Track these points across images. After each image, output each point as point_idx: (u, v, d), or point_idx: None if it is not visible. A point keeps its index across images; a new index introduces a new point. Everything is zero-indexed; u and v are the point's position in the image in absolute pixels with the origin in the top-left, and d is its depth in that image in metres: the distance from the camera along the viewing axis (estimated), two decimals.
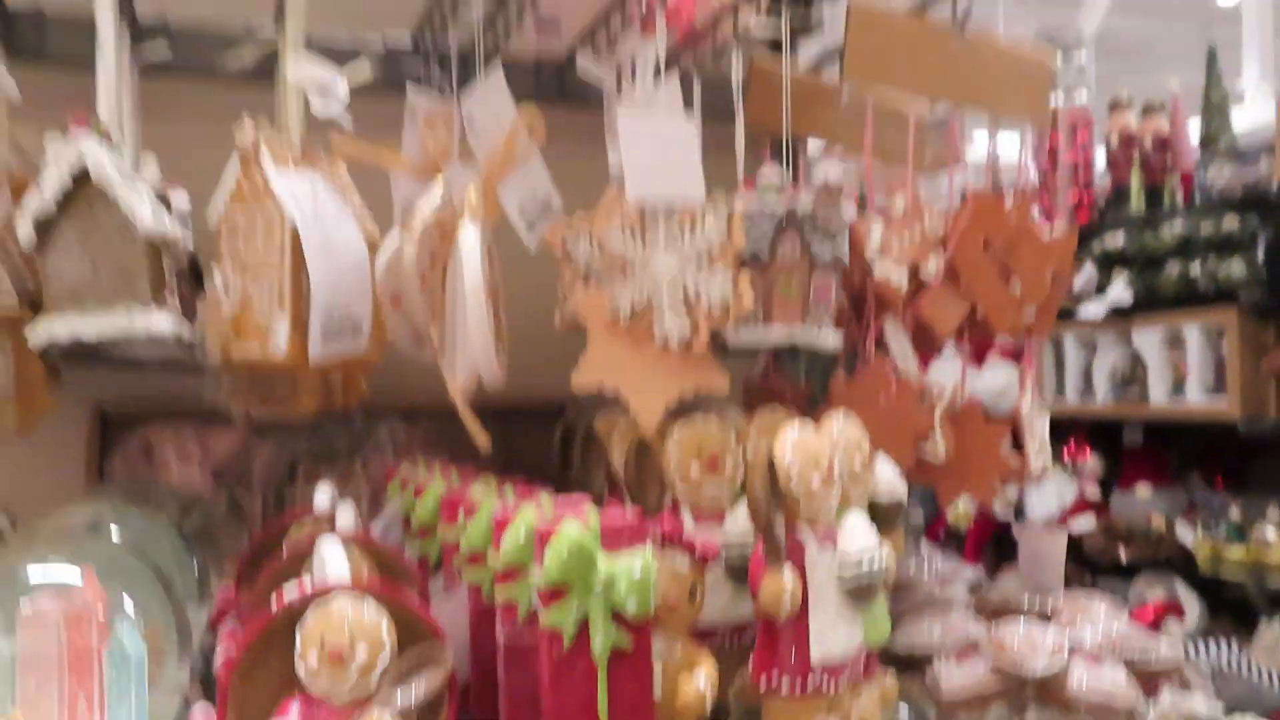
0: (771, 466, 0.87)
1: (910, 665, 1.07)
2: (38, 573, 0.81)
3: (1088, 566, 3.04)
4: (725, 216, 1.03)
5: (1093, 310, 3.40)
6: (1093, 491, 3.34)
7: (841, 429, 0.97)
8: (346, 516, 1.03)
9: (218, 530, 1.27)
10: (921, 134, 1.30)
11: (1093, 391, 3.43)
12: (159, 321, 0.87)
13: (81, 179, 0.87)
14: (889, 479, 1.04)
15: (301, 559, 0.94)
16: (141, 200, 0.87)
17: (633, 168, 1.02)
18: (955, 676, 1.02)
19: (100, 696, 0.80)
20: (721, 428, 1.05)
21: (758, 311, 1.08)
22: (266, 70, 1.26)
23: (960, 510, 3.28)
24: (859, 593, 0.89)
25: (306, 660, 0.78)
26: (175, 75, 1.29)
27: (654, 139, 1.03)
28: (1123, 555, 2.97)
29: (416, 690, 0.79)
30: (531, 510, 0.89)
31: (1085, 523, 3.18)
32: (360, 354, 0.97)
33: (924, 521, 3.23)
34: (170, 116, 1.29)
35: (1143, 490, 3.40)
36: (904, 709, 1.07)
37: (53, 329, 0.86)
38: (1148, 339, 3.25)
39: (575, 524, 0.79)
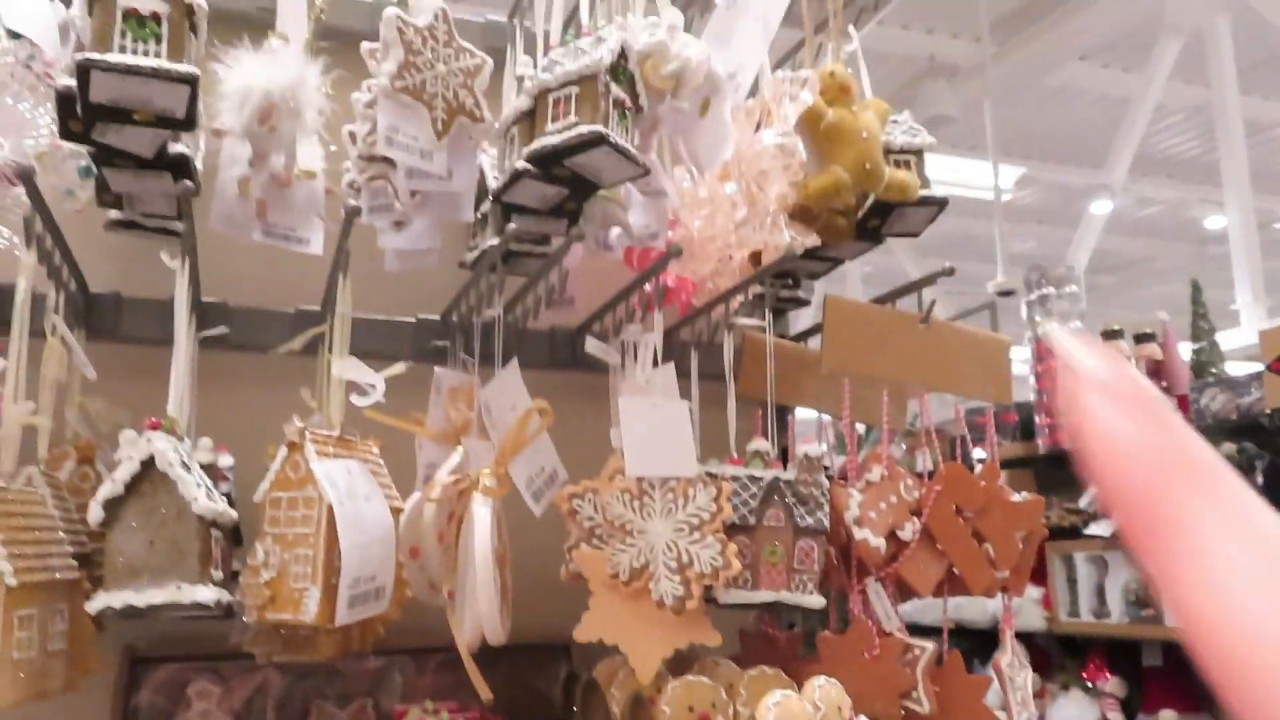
0: None
1: None
2: None
3: None
4: (715, 491, 1.15)
5: (1101, 529, 3.45)
6: (1115, 715, 3.27)
7: (823, 692, 1.05)
8: None
9: None
10: (900, 402, 1.44)
11: (1108, 610, 3.42)
12: (203, 594, 0.97)
13: (148, 464, 0.99)
14: None
15: None
16: (198, 484, 0.99)
17: (632, 446, 1.15)
18: None
19: None
20: (713, 684, 1.13)
21: (746, 576, 1.17)
22: (311, 346, 1.43)
23: None
24: None
25: None
26: (230, 348, 1.46)
27: (651, 420, 1.17)
28: None
29: None
30: None
31: None
32: (381, 613, 1.07)
33: None
34: (222, 383, 1.44)
35: (1168, 717, 3.32)
36: None
37: (110, 601, 0.97)
38: None
39: None
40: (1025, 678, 1.32)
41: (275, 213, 1.35)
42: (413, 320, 1.52)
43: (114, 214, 1.35)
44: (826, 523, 1.19)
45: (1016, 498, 1.32)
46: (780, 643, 1.36)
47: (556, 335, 1.60)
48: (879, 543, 1.22)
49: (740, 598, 1.17)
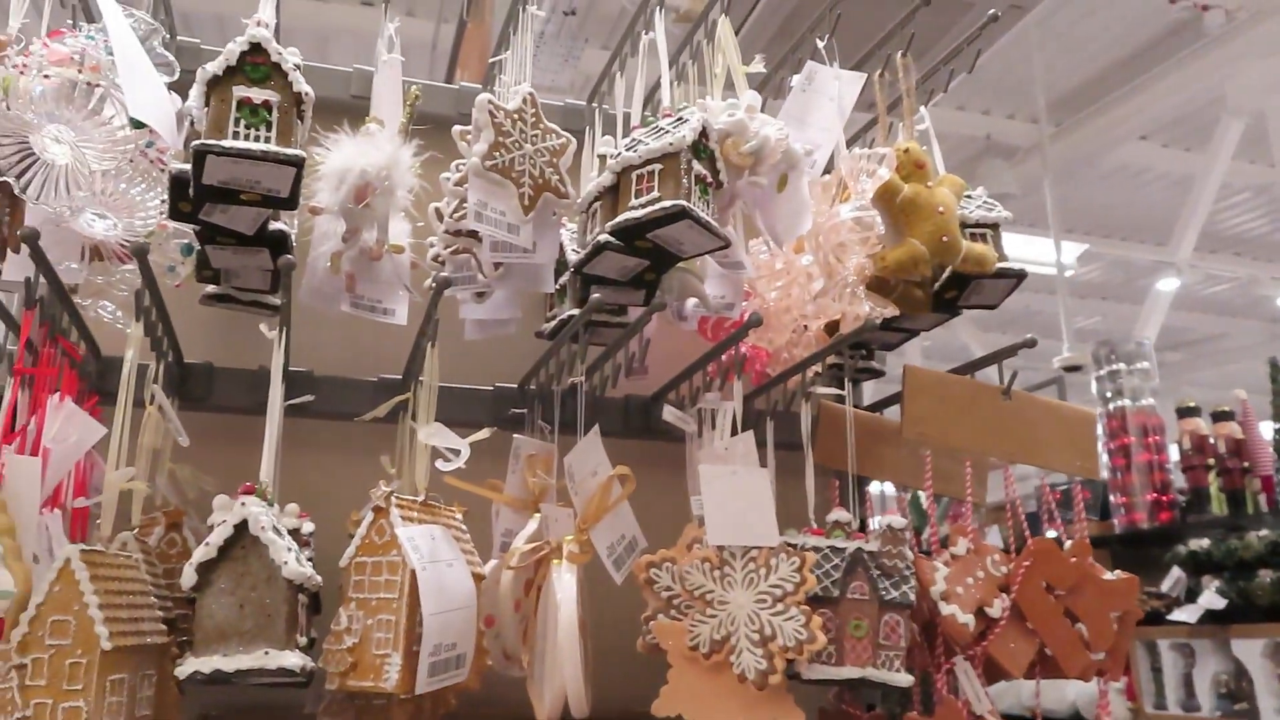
0: None
1: None
2: None
3: None
4: (798, 561, 1.13)
5: (1186, 615, 3.31)
6: None
7: None
8: None
9: None
10: (981, 474, 1.41)
11: (1196, 702, 3.26)
12: (290, 660, 0.98)
13: (240, 529, 1.01)
14: None
15: None
16: (288, 549, 1.01)
17: (713, 515, 1.15)
18: None
19: None
20: None
21: (830, 651, 1.14)
22: (391, 413, 1.45)
23: None
24: None
25: None
26: (316, 415, 1.49)
27: (732, 489, 1.16)
28: None
29: None
30: None
31: None
32: (460, 683, 1.06)
33: None
34: (305, 450, 1.47)
35: None
36: None
37: (199, 666, 0.97)
38: (1249, 649, 3.12)
39: None
40: None
41: (363, 285, 1.39)
42: (491, 389, 1.54)
43: (211, 289, 1.41)
44: (913, 597, 1.17)
45: (1109, 576, 1.28)
46: None
47: (631, 404, 1.61)
48: (967, 619, 1.19)
49: (825, 673, 1.14)
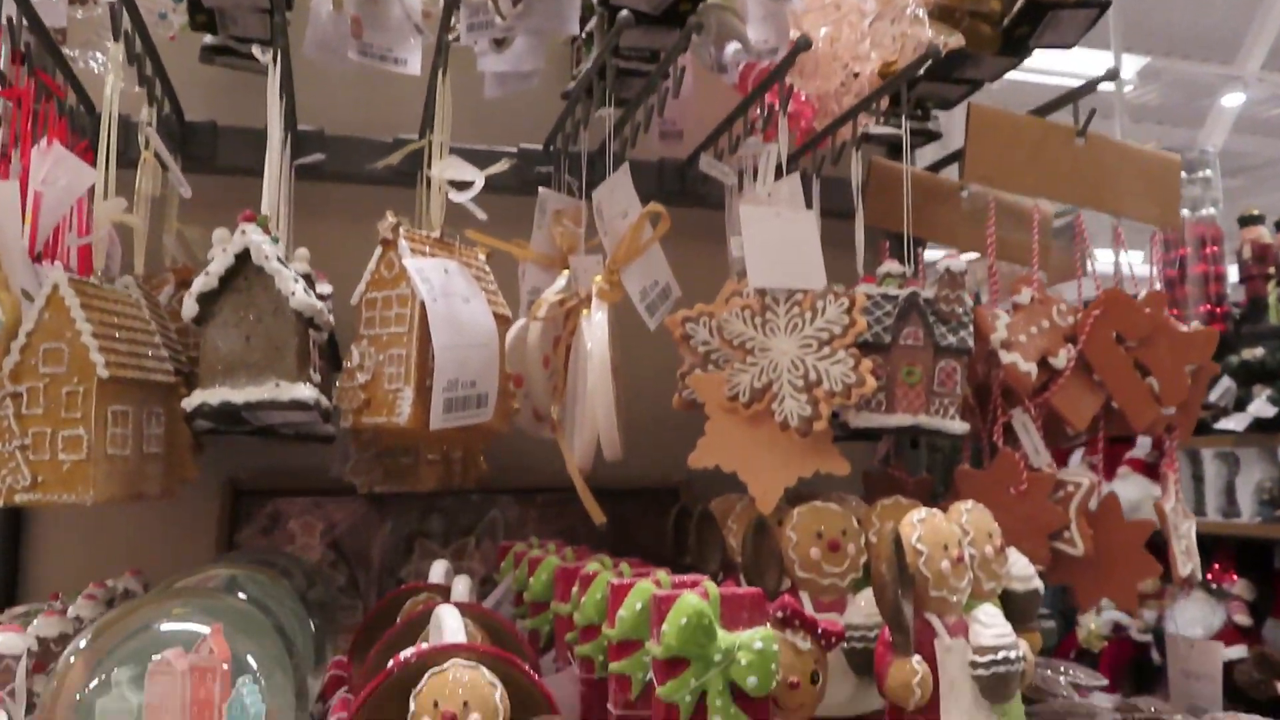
0: (899, 547, 0.84)
1: None
2: (170, 626, 0.84)
3: (1238, 701, 2.78)
4: (846, 302, 1.04)
5: (1233, 424, 3.23)
6: (1242, 618, 3.09)
7: (970, 514, 0.94)
8: (461, 588, 1.04)
9: (334, 604, 1.30)
10: (1046, 229, 1.29)
11: (1237, 509, 3.22)
12: (303, 392, 0.91)
13: (243, 258, 0.93)
14: (1023, 568, 0.99)
15: (416, 628, 0.95)
16: (295, 279, 0.93)
17: (755, 258, 1.05)
18: None
19: None
20: (843, 511, 1.03)
21: (880, 398, 1.06)
22: (408, 175, 1.35)
23: (1092, 629, 3.07)
24: (995, 687, 0.84)
25: None
26: (327, 177, 1.39)
27: (776, 230, 1.06)
28: None
29: None
30: (649, 584, 0.88)
31: (1235, 652, 2.93)
32: (484, 423, 1.00)
33: (1053, 642, 3.03)
34: (319, 215, 1.39)
35: None
36: None
37: (206, 398, 0.91)
38: None
39: (695, 596, 0.78)
40: (1189, 527, 1.19)
41: (371, 31, 1.27)
42: (514, 149, 1.43)
43: (209, 39, 1.29)
44: (971, 342, 1.07)
45: (1185, 327, 1.17)
46: (908, 487, 1.25)
47: (666, 167, 1.49)
48: (1029, 368, 1.10)
49: (874, 421, 1.06)
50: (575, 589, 1.01)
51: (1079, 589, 1.13)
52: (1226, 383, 3.35)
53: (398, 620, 1.06)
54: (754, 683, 0.76)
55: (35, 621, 0.90)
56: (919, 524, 0.87)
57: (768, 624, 0.80)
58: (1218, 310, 3.60)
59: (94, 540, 1.32)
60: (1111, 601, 1.12)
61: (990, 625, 0.86)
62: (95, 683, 0.80)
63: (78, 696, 0.78)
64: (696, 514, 1.12)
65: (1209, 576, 3.37)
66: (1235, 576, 3.30)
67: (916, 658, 0.83)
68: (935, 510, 0.90)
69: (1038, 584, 0.99)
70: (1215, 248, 3.73)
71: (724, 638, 0.77)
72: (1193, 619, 3.20)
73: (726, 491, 1.21)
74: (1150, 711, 1.08)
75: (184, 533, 1.33)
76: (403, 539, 1.37)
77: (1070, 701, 1.11)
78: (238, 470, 1.35)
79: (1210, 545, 3.34)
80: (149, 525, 1.32)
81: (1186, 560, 1.16)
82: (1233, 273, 3.72)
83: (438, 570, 1.21)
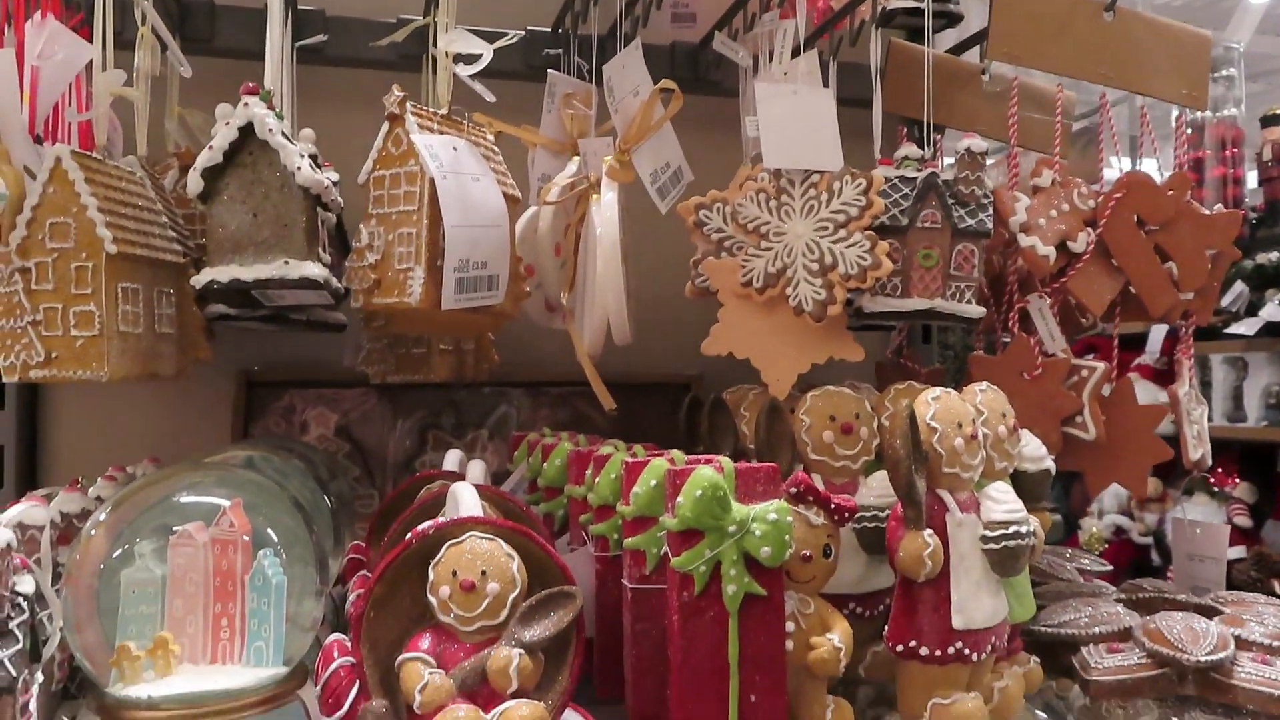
0: (913, 424, 0.84)
1: (1054, 653, 1.01)
2: (190, 499, 0.85)
3: None
4: (863, 183, 1.02)
5: (1244, 328, 3.21)
6: (1243, 520, 3.13)
7: (984, 395, 0.94)
8: (476, 471, 1.05)
9: (351, 494, 1.31)
10: (1069, 112, 1.26)
11: (1243, 413, 3.23)
12: (312, 270, 0.90)
13: (247, 132, 0.91)
14: (1036, 448, 0.99)
15: (433, 508, 0.95)
16: (301, 155, 0.91)
17: (770, 137, 1.02)
18: (1106, 662, 0.95)
19: (241, 620, 0.83)
20: (856, 396, 1.03)
21: (895, 282, 1.05)
22: (413, 59, 1.31)
23: (1093, 532, 3.12)
24: (1004, 560, 0.85)
25: (438, 593, 0.79)
26: (329, 61, 1.36)
27: (792, 110, 1.03)
28: (1278, 590, 2.75)
29: (545, 628, 0.79)
30: (662, 461, 0.88)
31: (1234, 553, 2.97)
32: (495, 306, 0.99)
33: (1058, 537, 3.08)
34: (321, 100, 1.35)
35: None
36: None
37: (215, 274, 0.91)
38: None
39: (709, 469, 0.78)
40: (1202, 413, 1.19)
41: None
42: (523, 31, 1.39)
43: None
44: (990, 225, 1.05)
45: (1207, 211, 1.15)
46: (920, 377, 1.25)
47: (678, 51, 1.45)
48: (1048, 251, 1.08)
49: (889, 305, 1.05)
50: (589, 471, 1.02)
51: (1089, 474, 1.13)
52: (1240, 287, 3.32)
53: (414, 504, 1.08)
54: (768, 553, 0.77)
55: (58, 496, 0.91)
56: (933, 402, 0.87)
57: (782, 497, 0.80)
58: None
59: (110, 431, 1.33)
60: (1122, 486, 1.12)
61: (1002, 501, 0.87)
62: (118, 553, 0.81)
63: (101, 566, 0.80)
64: (709, 402, 1.12)
65: (1211, 480, 3.41)
66: (1237, 480, 3.33)
67: (928, 531, 0.83)
68: (950, 390, 0.90)
69: (1050, 465, 1.00)
70: (1235, 150, 3.65)
71: (738, 509, 0.78)
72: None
73: (739, 383, 1.21)
74: (1153, 590, 1.10)
75: (199, 424, 1.34)
76: (416, 431, 1.38)
77: (1075, 583, 1.13)
78: (252, 362, 1.35)
79: (1215, 450, 3.36)
80: (165, 417, 1.33)
81: (1198, 445, 1.16)
82: (1252, 179, 3.65)
83: (452, 459, 1.22)
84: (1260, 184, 3.54)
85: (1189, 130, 3.68)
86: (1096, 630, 0.99)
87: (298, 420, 1.34)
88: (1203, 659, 0.92)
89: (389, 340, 1.23)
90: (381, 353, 1.24)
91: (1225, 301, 3.32)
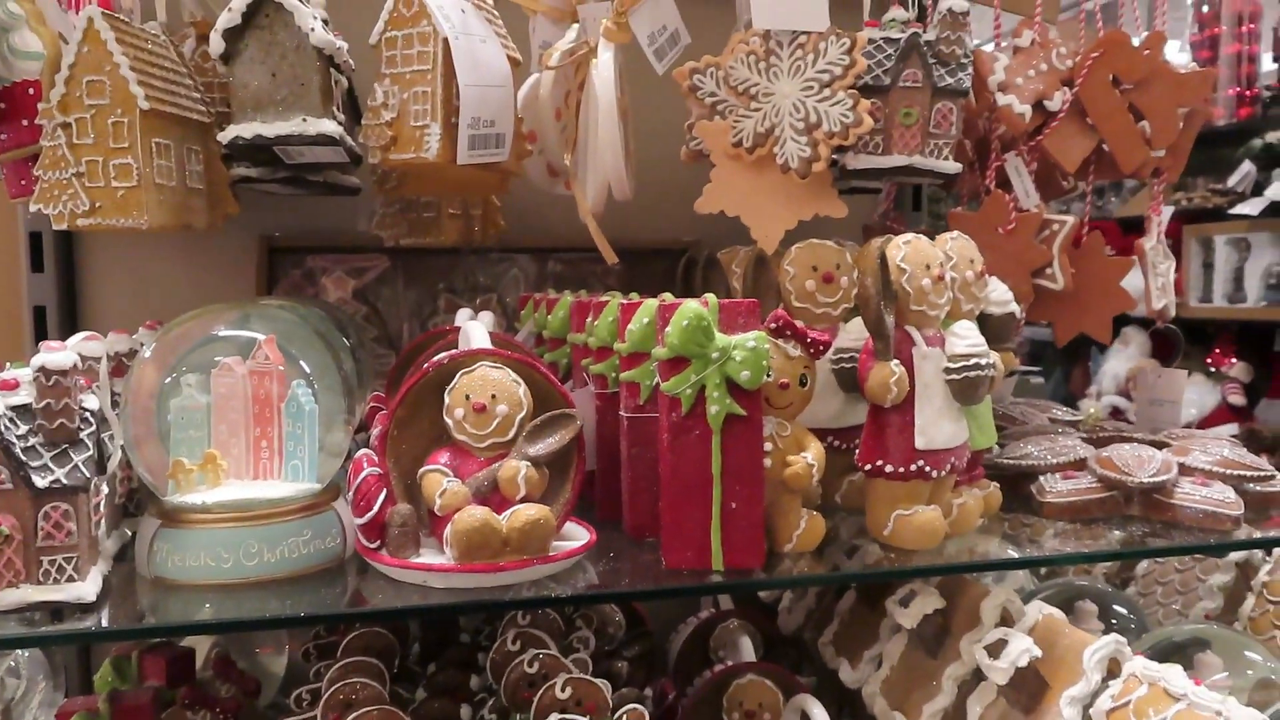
0: (884, 264, 0.92)
1: (1015, 485, 1.11)
2: (229, 333, 0.94)
3: None
4: (847, 43, 1.07)
5: (1249, 208, 3.23)
6: (1237, 399, 3.21)
7: (954, 242, 1.01)
8: (486, 318, 1.14)
9: (369, 351, 1.41)
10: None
11: (1243, 294, 3.28)
12: (328, 126, 0.97)
13: None
14: (1002, 293, 1.07)
15: (444, 346, 1.05)
16: (313, 16, 0.97)
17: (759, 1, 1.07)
18: (1060, 487, 1.05)
19: (279, 443, 0.93)
20: (837, 247, 1.10)
21: (877, 140, 1.11)
22: None
23: (1091, 413, 3.22)
24: (965, 390, 0.93)
25: (453, 415, 0.88)
26: None
27: None
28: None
29: (549, 444, 0.89)
30: (655, 301, 0.97)
31: (1228, 429, 3.07)
32: (502, 162, 1.06)
33: None
34: None
35: None
36: None
37: (239, 131, 0.98)
38: None
39: (695, 303, 0.86)
40: (1168, 267, 1.26)
41: None
42: None
43: None
44: (968, 84, 1.11)
45: (1181, 69, 1.19)
46: None
47: None
48: (1025, 110, 1.13)
49: (870, 163, 1.12)
50: (590, 319, 1.10)
51: (1057, 323, 1.21)
52: (1247, 167, 3.33)
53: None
54: (747, 376, 0.85)
55: (109, 336, 1.00)
56: (904, 245, 0.94)
57: (761, 330, 0.89)
58: (1247, 93, 3.52)
59: (141, 293, 1.42)
60: (1088, 334, 1.20)
61: (965, 337, 0.95)
62: (168, 382, 0.90)
63: (153, 394, 0.89)
64: (703, 259, 1.20)
65: (1208, 360, 3.48)
66: (1234, 360, 3.40)
67: (894, 361, 0.92)
68: (920, 235, 0.97)
69: (1014, 308, 1.07)
70: (1253, 25, 3.60)
71: (720, 339, 0.86)
72: (1189, 400, 3.33)
73: (731, 244, 1.28)
74: (1113, 430, 1.19)
75: (224, 287, 1.43)
76: (429, 294, 1.46)
77: (1040, 425, 1.22)
78: (272, 229, 1.42)
79: (1214, 330, 3.43)
80: (192, 281, 1.41)
81: (1161, 295, 1.23)
82: (1267, 61, 3.61)
83: (463, 316, 1.30)
84: (1275, 60, 3.51)
85: (1205, 7, 3.63)
86: (1053, 460, 1.09)
87: (318, 284, 1.43)
88: (1146, 480, 1.01)
89: (401, 204, 1.31)
90: (394, 217, 1.32)
91: (1232, 182, 3.33)
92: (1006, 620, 1.02)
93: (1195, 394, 3.43)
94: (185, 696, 1.05)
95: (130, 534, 0.97)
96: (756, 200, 1.15)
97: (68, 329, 1.38)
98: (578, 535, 0.93)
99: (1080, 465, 1.08)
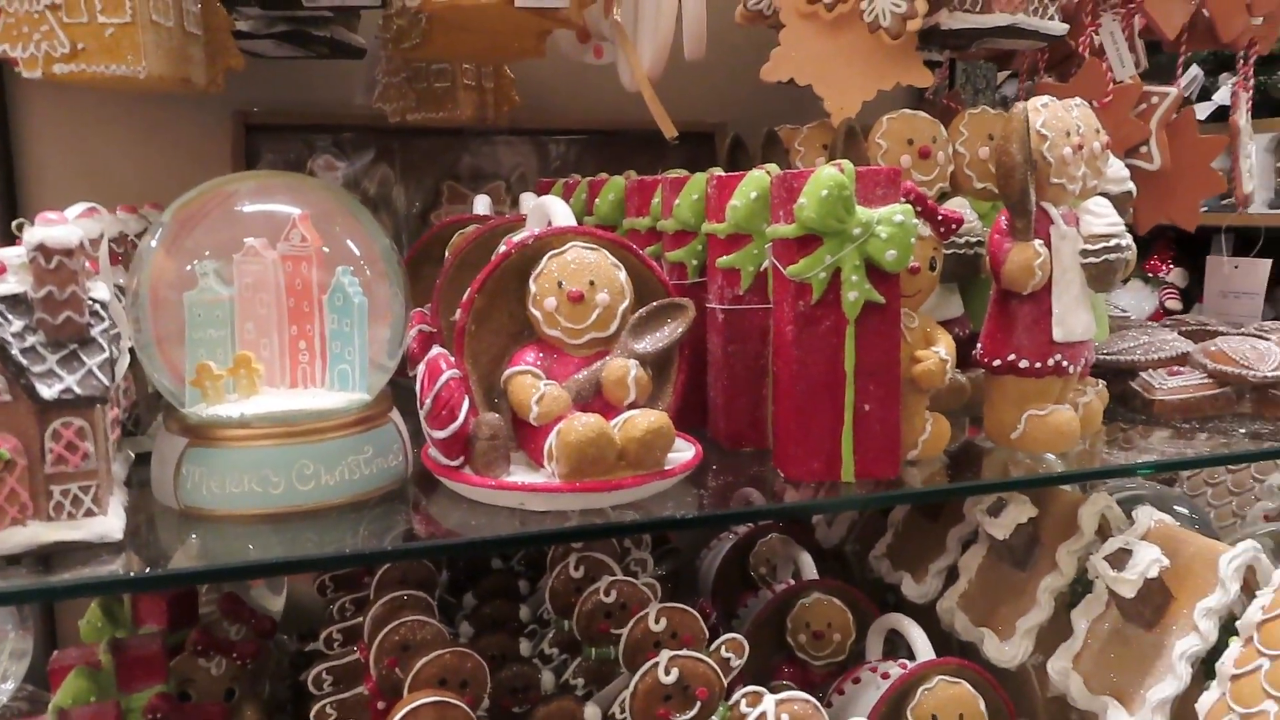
0: (1027, 130, 0.80)
1: (1109, 380, 1.03)
2: (252, 208, 0.76)
3: None
4: None
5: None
6: (1174, 303, 3.25)
7: (1080, 110, 0.90)
8: (529, 201, 0.98)
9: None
10: None
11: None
12: None
13: None
14: (1119, 169, 0.97)
15: (496, 237, 0.89)
16: None
17: None
18: (1169, 383, 0.97)
19: (321, 342, 0.77)
20: (933, 120, 0.98)
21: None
22: None
23: None
24: (1103, 275, 0.84)
25: (543, 306, 0.74)
26: None
27: None
28: None
29: (659, 339, 0.75)
30: (762, 173, 0.83)
31: None
32: (563, 8, 0.90)
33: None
34: None
35: None
36: None
37: None
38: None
39: (832, 168, 0.73)
40: (1254, 148, 1.18)
41: None
42: None
43: None
44: None
45: None
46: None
47: None
48: None
49: (968, 21, 0.99)
50: (656, 198, 0.96)
51: (1140, 208, 1.12)
52: (1194, 71, 3.31)
53: (448, 250, 1.01)
54: (893, 256, 0.73)
55: (104, 215, 0.82)
56: (1043, 109, 0.82)
57: (903, 202, 0.76)
58: None
59: (89, 178, 1.20)
60: (1171, 221, 1.12)
61: (1102, 215, 0.85)
62: (179, 273, 0.73)
63: (172, 282, 0.72)
64: (764, 135, 1.06)
65: (1145, 267, 3.51)
66: (1171, 266, 3.44)
67: (1038, 241, 0.81)
68: (1052, 98, 0.85)
69: (1130, 186, 0.98)
70: None
71: (862, 212, 0.74)
72: (1127, 304, 3.36)
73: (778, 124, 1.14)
74: (1196, 324, 1.12)
75: (194, 172, 1.22)
76: (429, 182, 1.28)
77: (1128, 319, 1.14)
78: (250, 103, 1.21)
79: (1150, 237, 3.44)
80: (151, 164, 1.21)
81: (1249, 179, 1.16)
82: None
83: (481, 203, 1.15)
84: None
85: None
86: (1155, 355, 1.01)
87: (302, 170, 1.23)
88: (1270, 374, 0.94)
89: (408, 73, 1.12)
90: (400, 87, 1.14)
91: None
92: (1104, 529, 0.95)
93: (1133, 300, 3.47)
94: (196, 642, 0.91)
95: (133, 456, 0.80)
96: (833, 65, 1.01)
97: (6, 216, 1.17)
98: (679, 446, 0.80)
99: (1182, 360, 1.01)
